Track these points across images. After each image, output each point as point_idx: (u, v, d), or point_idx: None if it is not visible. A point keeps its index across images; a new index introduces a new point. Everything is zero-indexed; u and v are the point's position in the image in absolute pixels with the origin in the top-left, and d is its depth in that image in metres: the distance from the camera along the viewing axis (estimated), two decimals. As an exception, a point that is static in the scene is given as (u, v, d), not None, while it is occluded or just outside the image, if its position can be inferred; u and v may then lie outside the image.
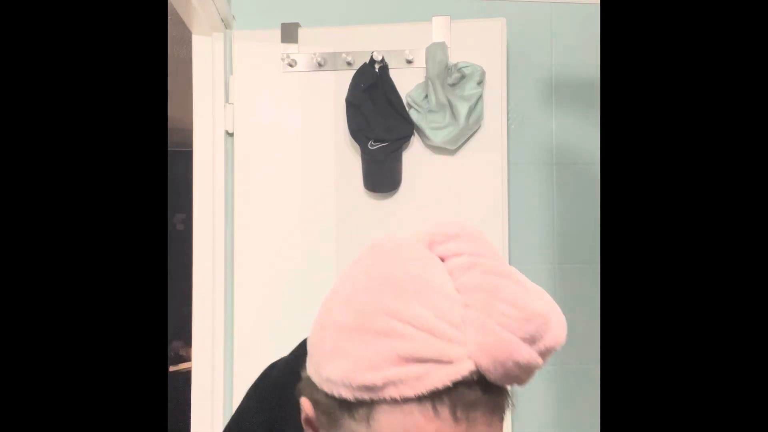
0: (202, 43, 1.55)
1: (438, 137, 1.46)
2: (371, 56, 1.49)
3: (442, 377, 0.45)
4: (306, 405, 0.52)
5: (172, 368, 3.59)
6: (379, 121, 1.46)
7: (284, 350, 1.48)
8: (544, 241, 1.62)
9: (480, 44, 1.52)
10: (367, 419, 0.46)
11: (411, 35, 1.52)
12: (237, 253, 1.53)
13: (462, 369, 0.45)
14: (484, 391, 0.46)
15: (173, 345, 3.68)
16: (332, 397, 0.48)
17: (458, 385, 0.45)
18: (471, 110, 1.45)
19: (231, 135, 1.56)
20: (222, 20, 1.53)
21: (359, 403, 0.47)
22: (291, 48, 1.54)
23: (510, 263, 1.64)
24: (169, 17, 1.87)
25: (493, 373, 0.46)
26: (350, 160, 1.51)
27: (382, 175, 1.49)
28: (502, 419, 0.48)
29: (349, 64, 1.52)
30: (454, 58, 1.50)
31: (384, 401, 0.45)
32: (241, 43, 1.55)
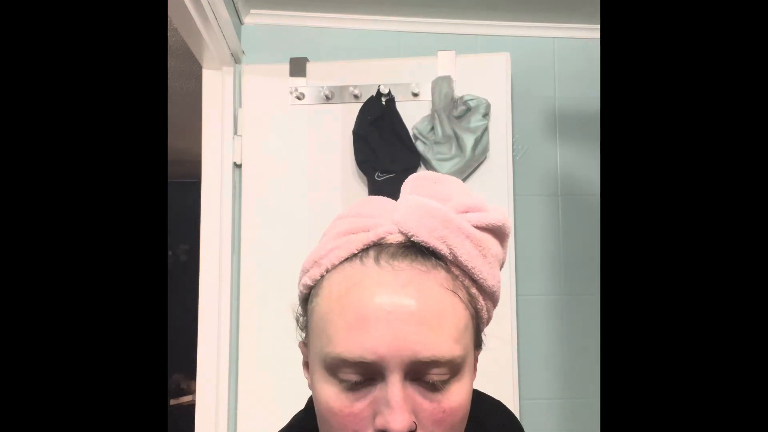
0: (212, 76, 1.58)
1: (444, 168, 1.48)
2: (378, 89, 1.52)
3: (363, 238, 0.55)
4: (300, 343, 0.62)
5: (172, 401, 3.56)
6: (385, 153, 1.48)
7: (289, 384, 1.47)
8: (550, 271, 1.62)
9: (485, 78, 1.54)
10: (319, 291, 0.55)
11: (417, 69, 1.55)
12: (243, 284, 1.54)
13: (381, 232, 0.55)
14: (408, 246, 0.55)
15: (174, 377, 3.65)
16: (303, 298, 0.60)
17: (383, 244, 0.55)
18: (477, 142, 1.47)
19: (239, 166, 1.58)
20: (232, 55, 1.56)
21: (316, 285, 0.56)
22: (299, 81, 1.57)
23: (515, 293, 1.62)
24: (180, 52, 1.91)
25: (414, 229, 0.55)
26: (357, 192, 1.53)
27: (388, 206, 1.49)
28: (451, 284, 0.54)
29: (356, 97, 1.54)
30: (459, 91, 1.52)
31: (328, 271, 0.55)
32: (250, 76, 1.58)
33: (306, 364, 0.61)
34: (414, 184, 0.60)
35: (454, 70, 1.54)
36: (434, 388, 0.51)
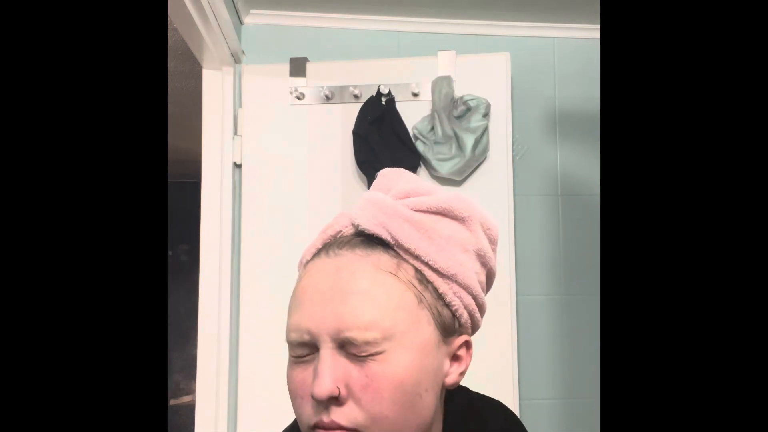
0: (212, 77, 1.58)
1: (444, 168, 1.48)
2: (378, 89, 1.52)
3: (324, 235, 0.63)
4: None
5: (172, 401, 3.56)
6: (385, 153, 1.48)
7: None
8: (550, 271, 1.62)
9: (485, 78, 1.54)
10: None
11: (417, 69, 1.55)
12: (243, 283, 1.54)
13: (338, 227, 0.62)
14: (355, 236, 0.60)
15: (174, 377, 3.65)
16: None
17: (337, 238, 0.61)
18: (477, 142, 1.47)
19: (239, 166, 1.58)
20: (232, 55, 1.56)
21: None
22: (299, 81, 1.57)
23: (516, 293, 1.62)
24: (180, 52, 1.91)
25: (359, 219, 0.60)
26: (357, 192, 1.53)
27: (388, 206, 1.49)
28: (391, 266, 0.58)
29: (356, 97, 1.54)
30: (459, 91, 1.52)
31: (305, 267, 0.62)
32: (251, 76, 1.59)
33: None
34: (373, 184, 0.67)
35: (454, 70, 1.54)
36: (362, 358, 0.55)
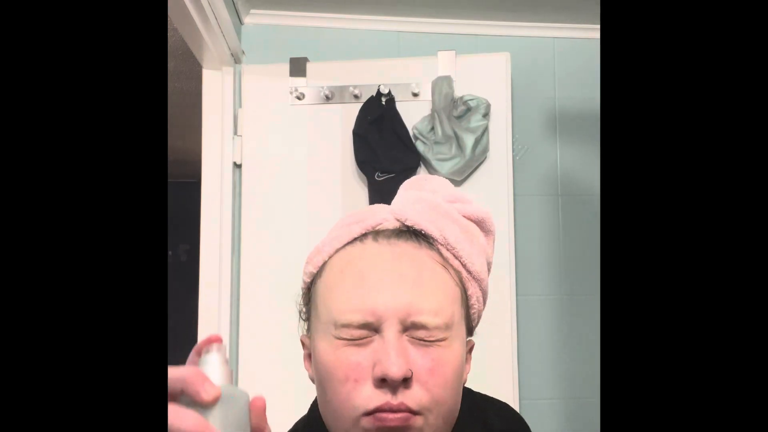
0: (212, 77, 1.58)
1: (444, 168, 1.48)
2: (378, 89, 1.52)
3: (361, 226, 0.61)
4: (301, 336, 0.66)
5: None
6: (385, 153, 1.48)
7: (289, 384, 1.47)
8: (550, 271, 1.62)
9: (485, 78, 1.54)
10: (321, 273, 0.60)
11: (417, 69, 1.55)
12: (243, 283, 1.54)
13: (378, 219, 0.61)
14: (402, 230, 0.60)
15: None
16: (306, 288, 0.63)
17: (380, 230, 0.60)
18: (477, 142, 1.47)
19: (239, 166, 1.58)
20: (232, 55, 1.56)
21: (318, 270, 0.61)
22: (299, 81, 1.57)
23: (516, 293, 1.62)
24: (180, 52, 1.91)
25: (408, 214, 0.60)
26: (357, 191, 1.53)
27: (388, 206, 1.50)
28: (442, 261, 0.59)
29: (356, 97, 1.54)
30: (459, 91, 1.52)
31: (330, 257, 0.60)
32: (251, 76, 1.59)
33: (308, 357, 0.64)
34: (408, 184, 0.67)
35: (454, 70, 1.54)
36: (427, 343, 0.55)
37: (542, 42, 1.68)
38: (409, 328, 0.55)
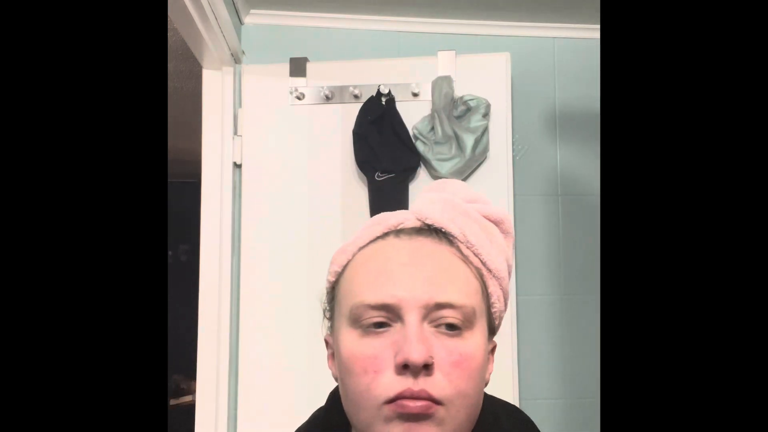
0: (212, 77, 1.58)
1: (444, 168, 1.48)
2: (378, 89, 1.52)
3: (384, 226, 0.62)
4: (325, 336, 0.66)
5: (172, 401, 3.55)
6: (385, 153, 1.48)
7: (289, 383, 1.47)
8: (550, 271, 1.62)
9: (485, 77, 1.54)
10: (345, 271, 0.61)
11: (417, 69, 1.55)
12: (243, 283, 1.54)
13: (400, 218, 0.62)
14: (423, 228, 0.61)
15: (174, 378, 3.65)
16: (330, 287, 0.64)
17: (401, 228, 0.62)
18: (477, 142, 1.47)
19: (239, 166, 1.58)
20: (232, 55, 1.56)
21: (343, 269, 0.62)
22: (299, 81, 1.57)
23: (516, 293, 1.61)
24: (180, 52, 1.91)
25: (429, 213, 0.62)
26: (357, 191, 1.53)
27: (388, 206, 1.48)
28: (463, 259, 0.60)
29: (356, 97, 1.54)
30: (459, 91, 1.52)
31: (354, 255, 0.61)
32: (251, 76, 1.58)
33: (331, 356, 0.64)
34: (428, 188, 0.69)
35: (454, 70, 1.54)
36: (449, 333, 0.55)
37: (542, 42, 1.68)
38: (430, 317, 0.55)
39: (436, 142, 1.49)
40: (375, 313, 0.55)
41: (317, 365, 1.51)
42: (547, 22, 1.67)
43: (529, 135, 1.65)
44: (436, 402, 0.53)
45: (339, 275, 0.63)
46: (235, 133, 1.58)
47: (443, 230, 0.61)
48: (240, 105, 1.59)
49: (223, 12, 1.39)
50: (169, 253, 3.90)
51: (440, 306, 0.55)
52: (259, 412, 1.48)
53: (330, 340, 0.64)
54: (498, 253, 0.62)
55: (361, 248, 0.62)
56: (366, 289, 0.57)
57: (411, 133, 1.51)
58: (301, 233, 1.53)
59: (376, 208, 1.49)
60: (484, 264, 0.61)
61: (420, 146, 1.50)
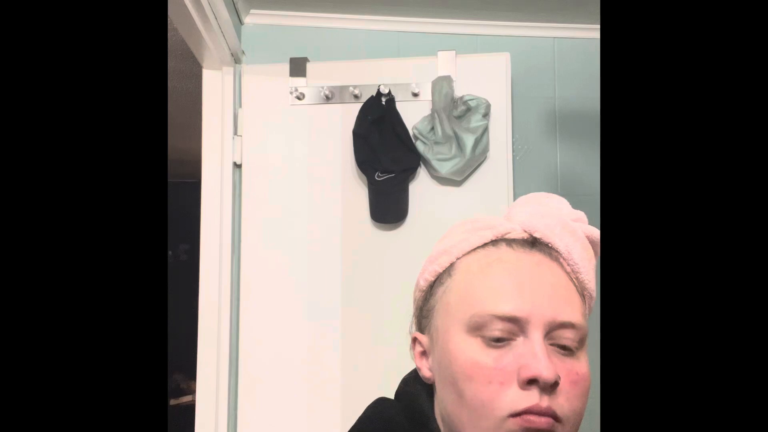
0: (212, 77, 1.58)
1: (444, 168, 1.48)
2: (378, 89, 1.52)
3: (491, 232, 0.62)
4: (414, 333, 0.65)
5: (172, 401, 3.56)
6: (385, 153, 1.48)
7: (290, 383, 1.47)
8: (551, 272, 1.61)
9: (485, 77, 1.54)
10: (452, 273, 0.61)
11: (417, 69, 1.55)
12: (243, 283, 1.54)
13: (507, 227, 0.63)
14: (530, 239, 0.62)
15: (174, 377, 3.65)
16: (428, 285, 0.64)
17: (509, 238, 0.62)
18: (477, 142, 1.47)
19: (239, 166, 1.58)
20: (232, 55, 1.56)
21: (445, 270, 0.62)
22: (299, 81, 1.57)
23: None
24: (180, 52, 1.91)
25: (537, 227, 0.62)
26: (357, 191, 1.53)
27: (388, 206, 1.50)
28: (571, 279, 0.60)
29: (356, 97, 1.54)
30: (459, 91, 1.52)
31: (458, 258, 0.62)
32: (251, 76, 1.59)
33: (422, 354, 0.64)
34: (526, 199, 0.69)
35: (454, 70, 1.54)
36: (567, 352, 0.57)
37: (542, 42, 1.68)
38: (551, 334, 0.56)
39: (436, 142, 1.49)
40: (501, 324, 0.56)
41: (317, 365, 1.51)
42: (546, 22, 1.67)
43: (529, 135, 1.65)
44: (558, 419, 0.54)
45: (441, 276, 0.63)
46: (235, 133, 1.58)
47: (550, 245, 0.61)
48: (240, 105, 1.59)
49: (223, 12, 1.39)
50: (169, 252, 3.90)
51: (562, 325, 0.56)
52: (259, 412, 1.48)
53: (422, 339, 0.64)
54: (593, 273, 0.63)
55: (466, 252, 0.62)
56: (492, 299, 0.57)
57: (411, 133, 1.51)
58: (301, 233, 1.53)
59: (376, 208, 1.49)
60: (581, 283, 0.62)
61: (420, 146, 1.50)
